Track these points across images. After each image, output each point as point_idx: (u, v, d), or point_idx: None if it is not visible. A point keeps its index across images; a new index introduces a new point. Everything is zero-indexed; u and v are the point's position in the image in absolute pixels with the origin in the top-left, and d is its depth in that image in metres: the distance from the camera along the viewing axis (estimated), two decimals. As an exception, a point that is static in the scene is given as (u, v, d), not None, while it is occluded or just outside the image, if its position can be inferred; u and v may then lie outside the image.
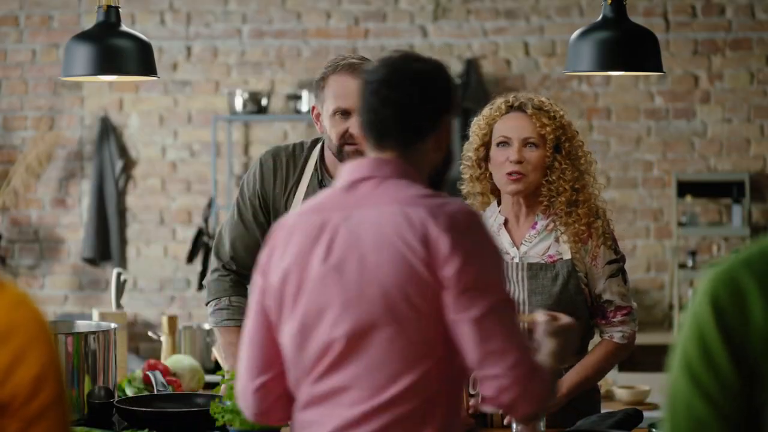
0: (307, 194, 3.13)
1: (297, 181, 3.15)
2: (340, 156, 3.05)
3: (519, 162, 2.98)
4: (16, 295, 1.42)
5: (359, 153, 3.04)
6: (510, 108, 3.04)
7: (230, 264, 3.19)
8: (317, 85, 3.08)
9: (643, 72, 3.37)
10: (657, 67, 3.25)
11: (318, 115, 3.09)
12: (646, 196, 6.77)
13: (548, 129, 3.00)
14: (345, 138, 3.02)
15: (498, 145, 3.02)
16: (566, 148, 3.02)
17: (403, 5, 6.84)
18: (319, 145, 3.17)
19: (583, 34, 3.24)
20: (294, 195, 3.14)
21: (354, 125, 3.00)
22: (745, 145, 6.73)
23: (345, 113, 3.02)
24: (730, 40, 6.72)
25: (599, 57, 3.20)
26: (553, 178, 3.01)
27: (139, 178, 6.99)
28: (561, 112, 3.06)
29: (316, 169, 3.14)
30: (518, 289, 2.99)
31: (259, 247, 3.18)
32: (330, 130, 3.03)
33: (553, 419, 2.98)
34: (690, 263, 6.61)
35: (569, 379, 2.96)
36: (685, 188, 6.61)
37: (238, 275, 3.20)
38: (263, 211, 3.16)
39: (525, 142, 3.00)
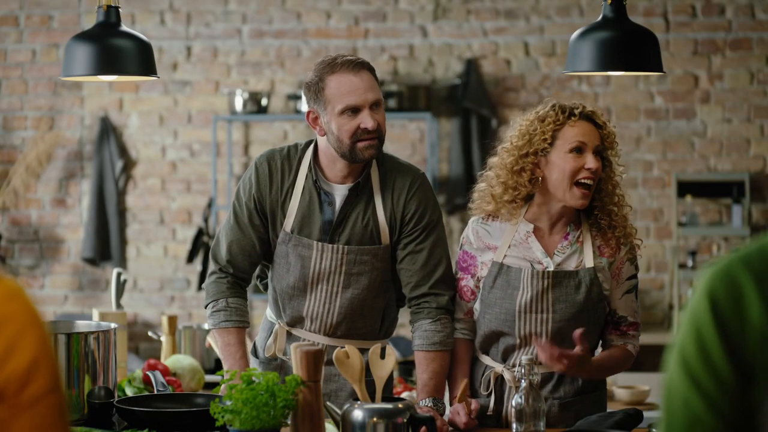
0: (303, 196, 3.12)
1: (292, 183, 3.14)
2: (352, 154, 3.04)
3: (595, 171, 2.97)
4: (10, 288, 1.43)
5: (373, 147, 3.04)
6: (581, 115, 3.02)
7: (227, 267, 3.19)
8: (314, 89, 3.05)
9: (643, 72, 3.36)
10: (657, 67, 3.25)
11: (316, 119, 3.07)
12: (646, 196, 6.77)
13: (614, 139, 3.02)
14: (357, 135, 3.02)
15: (571, 151, 2.98)
16: (615, 160, 3.05)
17: (403, 5, 6.84)
18: (311, 147, 3.16)
19: (583, 34, 3.24)
20: (291, 197, 3.14)
21: (365, 120, 3.00)
22: (745, 145, 6.73)
23: (355, 110, 3.01)
24: (730, 40, 6.72)
25: (599, 57, 3.20)
26: (603, 187, 3.02)
27: (139, 178, 6.99)
28: (612, 125, 3.08)
29: (309, 169, 3.13)
30: (543, 297, 2.99)
31: (255, 251, 3.19)
32: (339, 129, 3.02)
33: (554, 419, 2.98)
34: (690, 263, 6.61)
35: (595, 360, 2.98)
36: (685, 188, 6.61)
37: (236, 277, 3.20)
38: (259, 214, 3.16)
39: (595, 150, 2.99)
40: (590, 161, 2.96)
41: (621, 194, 3.06)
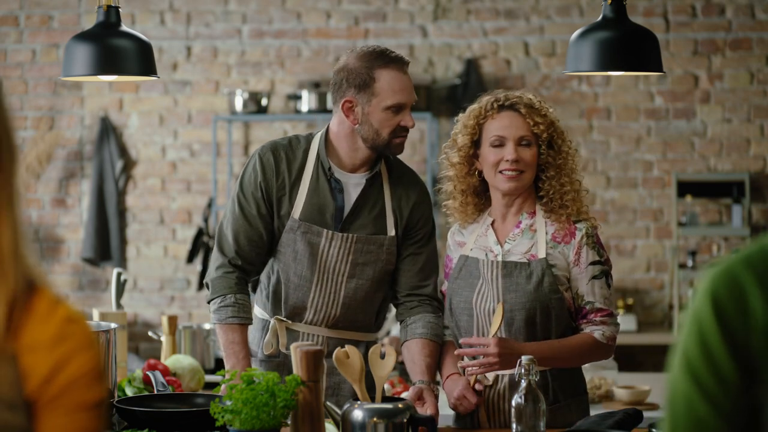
0: (312, 184, 3.15)
1: (300, 172, 3.17)
2: (386, 148, 3.12)
3: (515, 161, 3.00)
4: (73, 313, 1.51)
5: (404, 144, 3.15)
6: (501, 107, 3.07)
7: (236, 259, 3.17)
8: (361, 79, 3.09)
9: (643, 72, 3.36)
10: (657, 67, 3.25)
11: (351, 108, 3.11)
12: (646, 196, 6.77)
13: (541, 127, 3.05)
14: (396, 131, 3.10)
15: (492, 145, 3.04)
16: (558, 144, 3.06)
17: (403, 5, 6.84)
18: (319, 135, 3.19)
19: (583, 34, 3.24)
20: (299, 185, 3.16)
21: (407, 118, 3.09)
22: (745, 145, 6.73)
23: (400, 107, 3.08)
24: (730, 40, 6.72)
25: (599, 57, 3.20)
26: (548, 175, 3.05)
27: (139, 178, 6.99)
28: (550, 110, 3.11)
29: (318, 158, 3.16)
30: (492, 286, 3.01)
31: (263, 241, 3.20)
32: (381, 123, 3.09)
33: (553, 419, 2.98)
34: (690, 263, 6.61)
35: (537, 347, 2.97)
36: (685, 188, 6.61)
37: (243, 271, 3.19)
38: (266, 203, 3.17)
39: (519, 141, 3.03)
40: (508, 153, 3.02)
41: (570, 177, 3.06)
